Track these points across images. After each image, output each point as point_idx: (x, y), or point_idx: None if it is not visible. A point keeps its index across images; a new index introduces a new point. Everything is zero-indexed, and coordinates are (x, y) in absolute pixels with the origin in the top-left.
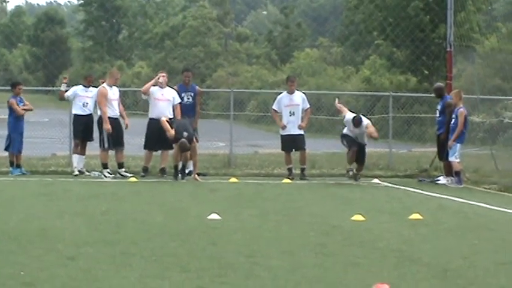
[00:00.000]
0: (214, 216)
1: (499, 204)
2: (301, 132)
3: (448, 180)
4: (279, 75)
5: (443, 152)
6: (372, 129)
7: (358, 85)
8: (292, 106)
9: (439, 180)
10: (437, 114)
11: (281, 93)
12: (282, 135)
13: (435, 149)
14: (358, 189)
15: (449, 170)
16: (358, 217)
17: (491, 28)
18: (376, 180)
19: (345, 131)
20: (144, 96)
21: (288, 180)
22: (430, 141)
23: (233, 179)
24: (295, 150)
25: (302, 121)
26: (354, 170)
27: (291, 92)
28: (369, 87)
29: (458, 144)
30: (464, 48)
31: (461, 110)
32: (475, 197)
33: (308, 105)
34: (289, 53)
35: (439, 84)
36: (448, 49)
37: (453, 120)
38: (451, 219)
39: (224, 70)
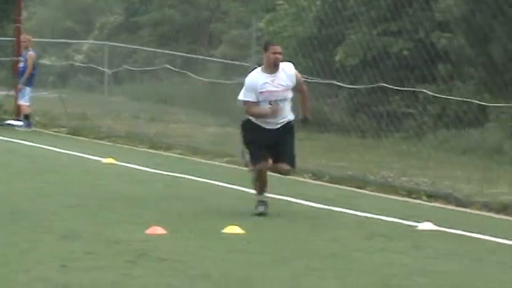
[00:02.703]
0: None
1: (67, 147)
2: None
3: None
4: None
5: None
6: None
7: None
8: None
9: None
10: None
11: None
12: None
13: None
14: None
15: None
16: None
17: None
18: None
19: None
20: None
21: None
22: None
23: None
24: None
25: None
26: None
27: None
28: None
29: (28, 88)
30: None
31: (31, 53)
32: (43, 140)
33: None
34: None
35: None
36: None
37: (22, 63)
38: (19, 162)
39: None
